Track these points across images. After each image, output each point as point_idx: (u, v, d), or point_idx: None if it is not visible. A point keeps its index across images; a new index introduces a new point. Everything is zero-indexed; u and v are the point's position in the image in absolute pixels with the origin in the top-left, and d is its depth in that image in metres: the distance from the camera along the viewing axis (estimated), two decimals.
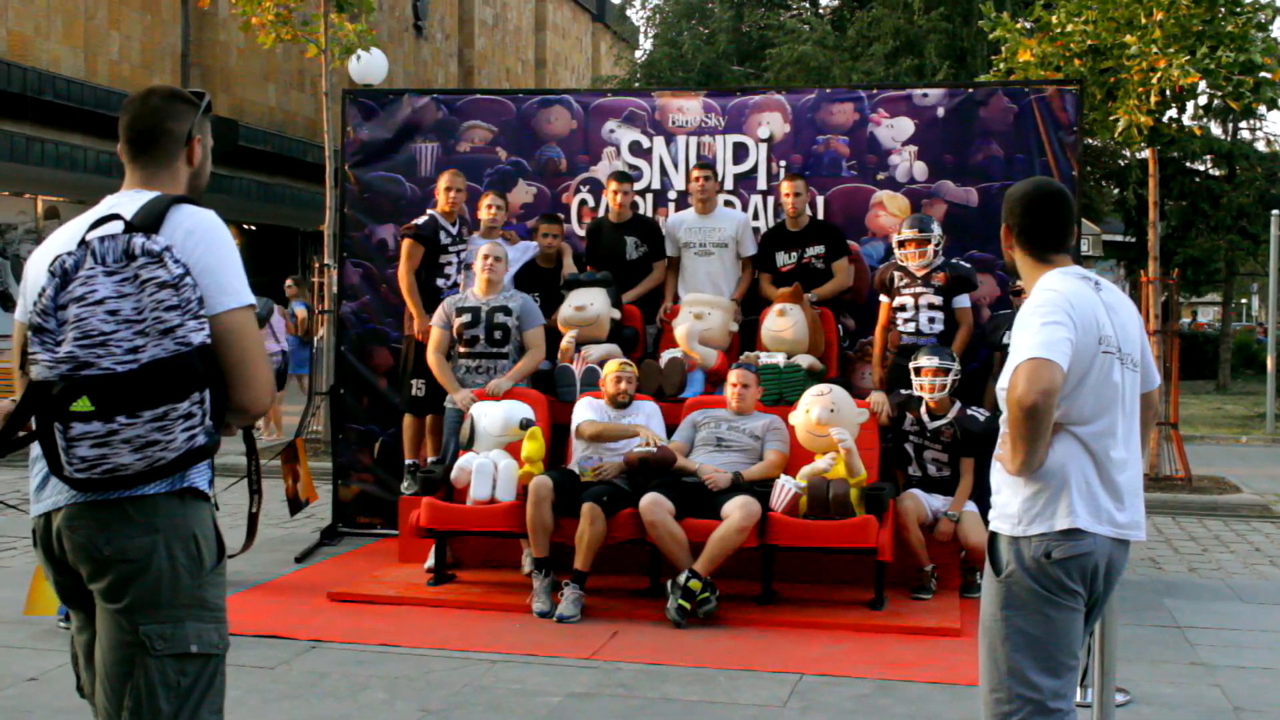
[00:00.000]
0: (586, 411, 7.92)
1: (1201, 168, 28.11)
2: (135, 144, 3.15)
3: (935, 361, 7.81)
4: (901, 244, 8.32)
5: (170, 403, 2.77)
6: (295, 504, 9.04)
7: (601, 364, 8.31)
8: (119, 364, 2.73)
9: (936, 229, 8.32)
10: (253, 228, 24.33)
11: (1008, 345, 8.40)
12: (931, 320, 8.25)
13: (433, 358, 8.40)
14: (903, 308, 8.33)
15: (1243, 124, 28.29)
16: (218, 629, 3.01)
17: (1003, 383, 3.43)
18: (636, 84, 27.68)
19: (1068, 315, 3.39)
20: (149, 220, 2.92)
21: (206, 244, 2.95)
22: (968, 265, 8.47)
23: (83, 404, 2.73)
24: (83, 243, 2.87)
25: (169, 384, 2.77)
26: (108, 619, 2.95)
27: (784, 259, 8.79)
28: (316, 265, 13.91)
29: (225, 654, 3.05)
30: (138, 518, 2.88)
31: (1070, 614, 3.45)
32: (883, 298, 8.48)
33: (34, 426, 2.84)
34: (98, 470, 2.77)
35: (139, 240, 2.84)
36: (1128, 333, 3.58)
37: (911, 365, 7.93)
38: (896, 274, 8.37)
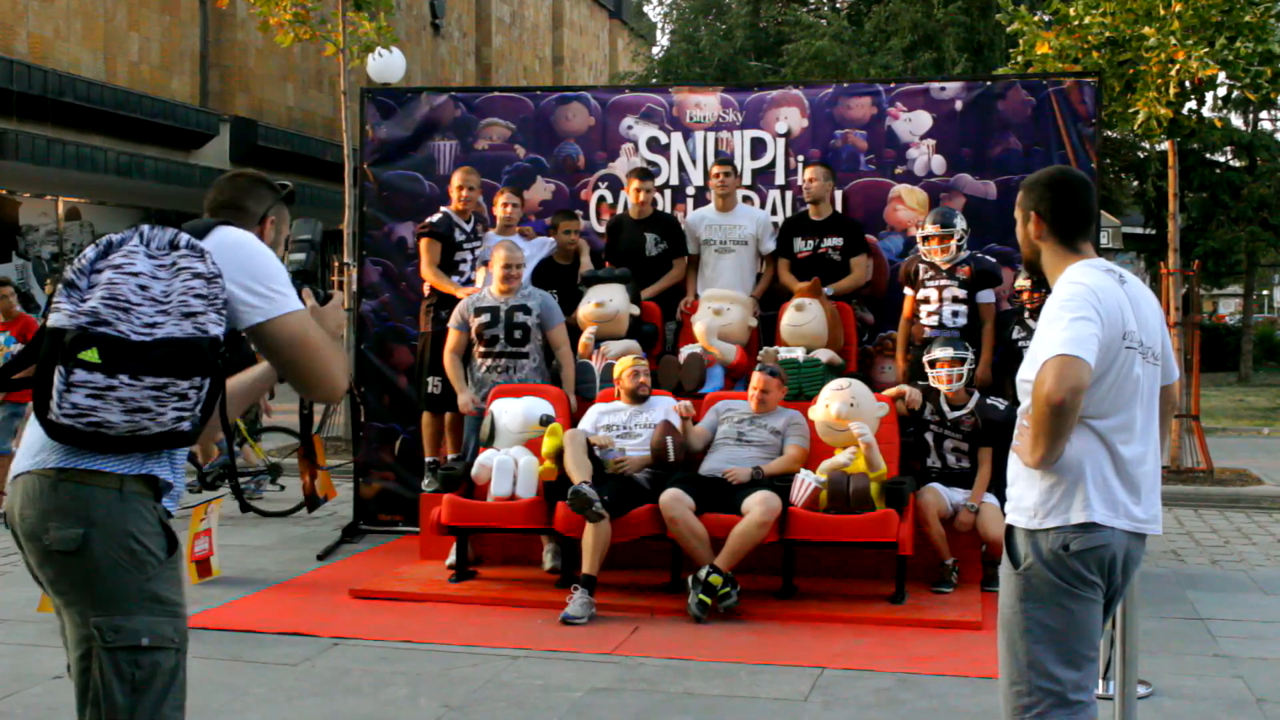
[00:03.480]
0: (591, 419, 7.93)
1: (1221, 159, 27.93)
2: (212, 213, 3.30)
3: (950, 353, 7.82)
4: (925, 239, 8.33)
5: (173, 377, 2.82)
6: (313, 501, 9.07)
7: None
8: (134, 333, 2.80)
9: (959, 222, 8.31)
10: None
11: (1015, 340, 8.44)
12: (955, 314, 8.25)
13: (448, 359, 8.43)
14: (926, 300, 8.33)
15: (1263, 115, 28.13)
16: (173, 623, 2.99)
17: (1026, 374, 3.42)
18: (654, 80, 27.66)
19: (1095, 310, 3.38)
20: (195, 231, 3.01)
21: (250, 254, 3.05)
22: (993, 260, 8.47)
23: (91, 354, 2.78)
24: (134, 227, 2.98)
25: (177, 360, 2.82)
26: (65, 614, 3.01)
27: (801, 245, 8.79)
28: (336, 264, 13.95)
29: (184, 648, 3.04)
30: (74, 509, 2.89)
31: (1089, 605, 3.45)
32: (907, 290, 8.48)
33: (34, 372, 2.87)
34: (83, 420, 2.79)
35: (185, 236, 2.95)
36: (1149, 326, 3.57)
37: (926, 358, 7.94)
38: (921, 266, 8.37)
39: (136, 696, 2.93)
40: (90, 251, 2.92)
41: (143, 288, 2.83)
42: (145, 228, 2.95)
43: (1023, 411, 3.47)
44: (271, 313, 3.00)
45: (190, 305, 2.85)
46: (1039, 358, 3.35)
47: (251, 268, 3.00)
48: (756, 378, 7.85)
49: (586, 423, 7.92)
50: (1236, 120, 27.11)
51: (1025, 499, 3.50)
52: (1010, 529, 3.55)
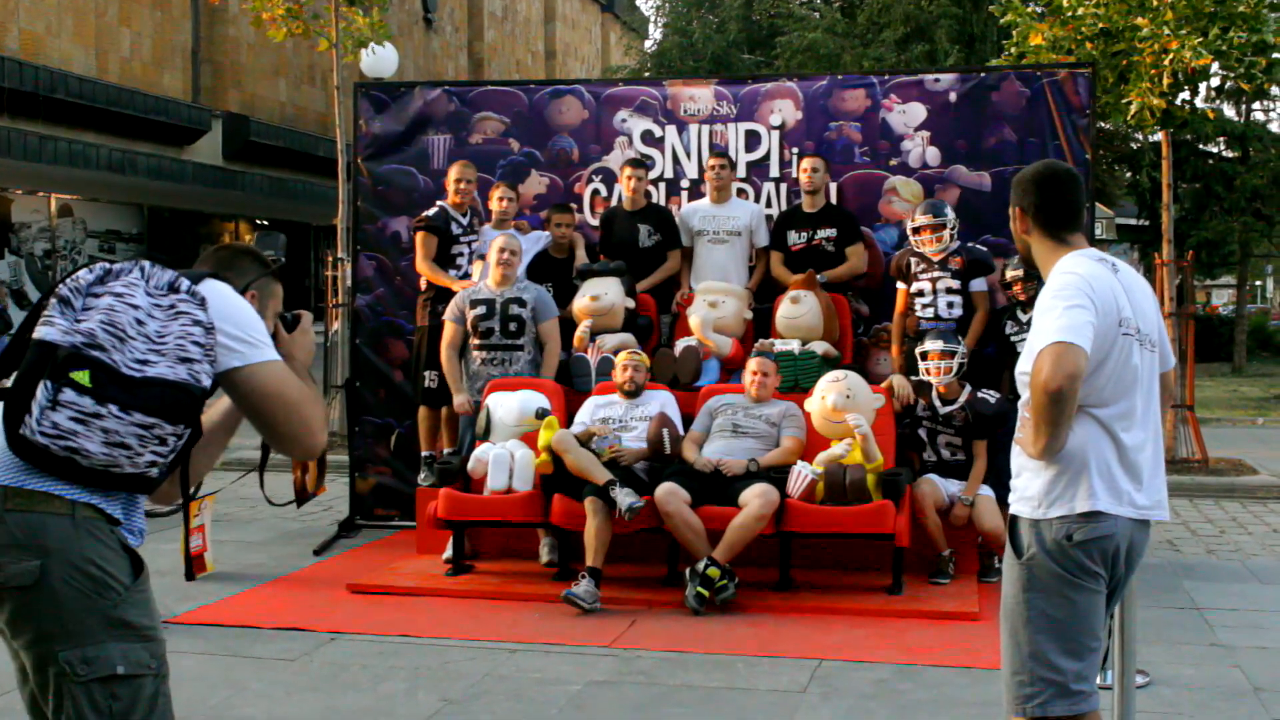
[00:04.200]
0: (587, 412, 7.93)
1: (1215, 150, 27.96)
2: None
3: (940, 345, 7.82)
4: (916, 230, 8.33)
5: (162, 419, 2.73)
6: (302, 496, 9.06)
7: (616, 354, 8.32)
8: (125, 365, 2.71)
9: (950, 213, 8.33)
10: (265, 223, 24.37)
11: (1009, 335, 8.43)
12: (950, 305, 8.26)
13: (445, 353, 8.43)
14: (921, 293, 8.33)
15: (1256, 105, 28.16)
16: (148, 648, 2.82)
17: (1024, 366, 3.43)
18: (647, 74, 27.65)
19: (1088, 298, 3.39)
20: (189, 279, 2.91)
21: (233, 304, 2.93)
22: (984, 249, 8.48)
23: (83, 377, 2.67)
24: (134, 259, 2.88)
25: (167, 402, 2.73)
26: (25, 655, 2.81)
27: (795, 238, 8.80)
28: (330, 259, 13.93)
29: (164, 674, 2.87)
30: (26, 541, 2.73)
31: (1092, 596, 3.45)
32: (900, 284, 8.48)
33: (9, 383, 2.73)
34: (59, 444, 2.67)
35: (186, 281, 2.84)
36: (1145, 314, 3.58)
37: (917, 350, 7.94)
38: (913, 260, 8.37)
39: None
40: (86, 274, 2.81)
41: (139, 322, 2.74)
42: (146, 264, 2.85)
43: (1023, 404, 3.47)
44: (250, 358, 2.88)
45: (188, 351, 2.76)
46: (1035, 348, 3.35)
47: (233, 315, 2.89)
48: (754, 362, 7.85)
49: (583, 416, 7.92)
50: (1229, 111, 27.17)
51: (1029, 489, 3.50)
52: (1014, 519, 3.56)
